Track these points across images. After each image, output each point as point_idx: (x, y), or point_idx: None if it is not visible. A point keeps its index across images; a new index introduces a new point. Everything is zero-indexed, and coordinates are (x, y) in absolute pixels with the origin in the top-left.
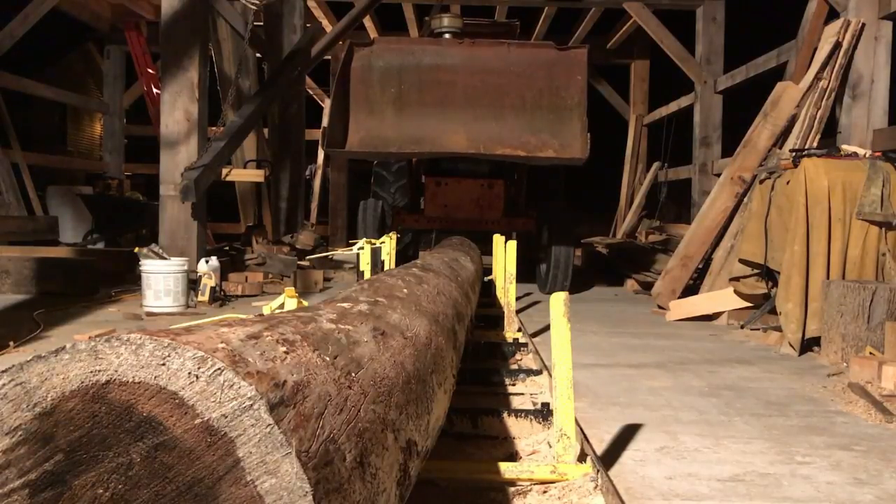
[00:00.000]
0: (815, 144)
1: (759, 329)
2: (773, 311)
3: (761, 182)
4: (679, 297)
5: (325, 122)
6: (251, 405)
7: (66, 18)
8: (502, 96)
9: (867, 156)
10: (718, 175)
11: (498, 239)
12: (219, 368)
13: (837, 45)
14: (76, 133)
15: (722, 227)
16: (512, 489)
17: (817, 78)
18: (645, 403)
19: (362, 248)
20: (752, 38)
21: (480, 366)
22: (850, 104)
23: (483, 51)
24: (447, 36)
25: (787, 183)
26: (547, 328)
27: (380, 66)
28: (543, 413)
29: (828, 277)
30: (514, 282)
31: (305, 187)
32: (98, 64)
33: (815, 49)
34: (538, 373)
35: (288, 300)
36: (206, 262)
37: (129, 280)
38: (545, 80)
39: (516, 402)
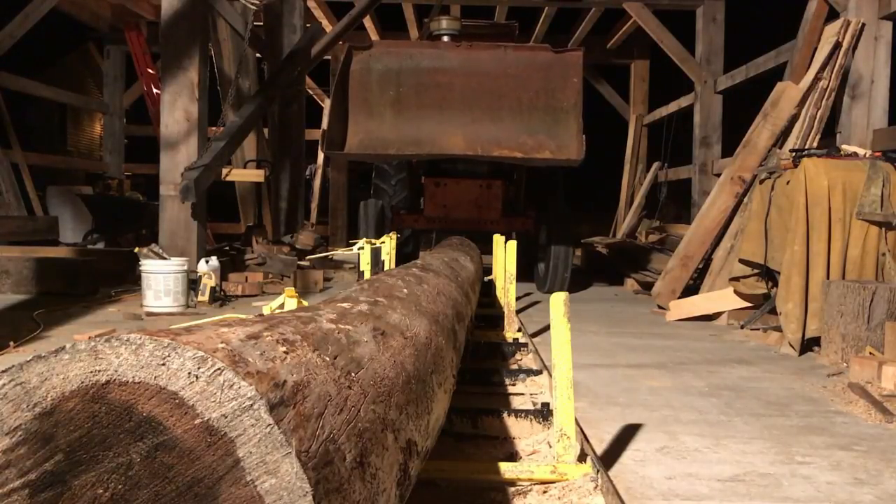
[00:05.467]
0: (815, 144)
1: (759, 329)
2: (773, 311)
3: (761, 182)
4: (679, 297)
5: (324, 123)
6: (251, 405)
7: (66, 18)
8: (499, 98)
9: (867, 156)
10: (718, 175)
11: (498, 239)
12: (219, 368)
13: (837, 45)
14: (76, 133)
15: (722, 227)
16: (512, 489)
17: (817, 78)
18: (645, 403)
19: (362, 248)
20: (752, 38)
21: (480, 366)
22: (850, 104)
23: (480, 53)
24: (446, 38)
25: (787, 183)
26: (547, 328)
27: (378, 69)
28: (543, 413)
29: (828, 277)
30: (514, 282)
31: (305, 187)
32: (98, 64)
33: (815, 49)
34: (538, 373)
35: (288, 300)
36: (206, 262)
37: (129, 280)
38: (541, 82)
39: (516, 402)
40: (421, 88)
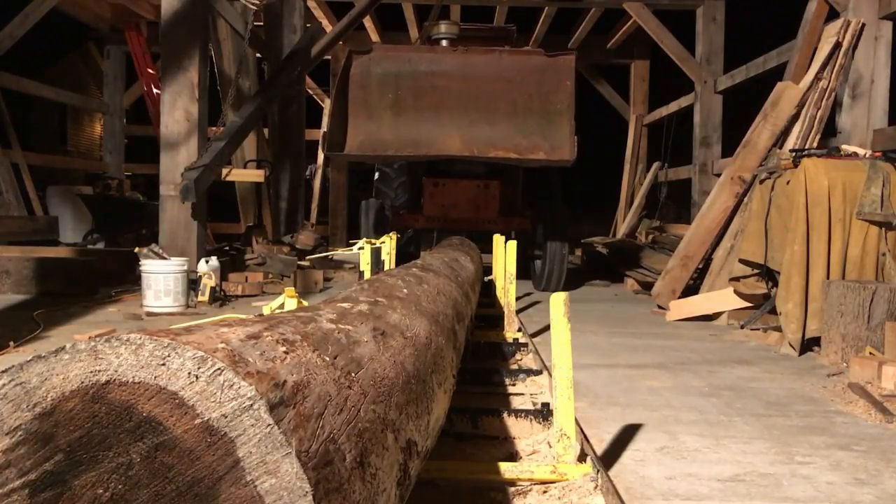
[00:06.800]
0: (815, 144)
1: (759, 329)
2: (773, 311)
3: (761, 182)
4: (679, 297)
5: (325, 124)
6: (251, 405)
7: (66, 18)
8: (495, 101)
9: (867, 156)
10: (718, 175)
11: (498, 239)
12: (219, 368)
13: (837, 45)
14: (76, 133)
15: (722, 227)
16: (512, 489)
17: (817, 78)
18: (645, 403)
19: (362, 248)
20: (752, 38)
21: (480, 366)
22: (850, 104)
23: (476, 58)
24: (444, 42)
25: (787, 183)
26: (547, 328)
27: (378, 73)
28: (543, 413)
29: (828, 277)
30: (514, 282)
31: (305, 187)
32: (98, 64)
33: (815, 49)
34: (538, 373)
35: (288, 300)
36: (206, 262)
37: (129, 280)
38: (535, 85)
39: (516, 402)
40: (419, 91)
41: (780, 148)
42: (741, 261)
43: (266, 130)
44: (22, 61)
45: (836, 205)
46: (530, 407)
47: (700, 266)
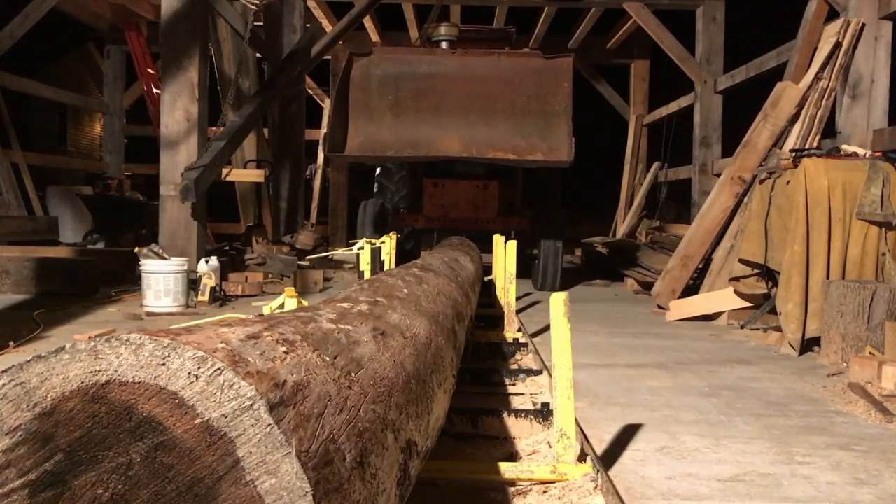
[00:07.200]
0: (815, 144)
1: (759, 329)
2: (773, 311)
3: (761, 182)
4: (679, 297)
5: (325, 124)
6: (251, 405)
7: (66, 18)
8: (493, 103)
9: (867, 156)
10: (718, 175)
11: (498, 239)
12: (219, 368)
13: (837, 45)
14: (76, 133)
15: (722, 227)
16: (512, 489)
17: (817, 78)
18: (645, 403)
19: (362, 248)
20: (752, 38)
21: (480, 366)
22: (850, 104)
23: (475, 60)
24: (443, 44)
25: (787, 183)
26: (547, 328)
27: (378, 75)
28: (543, 413)
29: (828, 277)
30: (514, 282)
31: (305, 187)
32: (98, 64)
33: (815, 49)
34: (538, 373)
35: (288, 300)
36: (206, 262)
37: (129, 280)
38: (533, 86)
39: (516, 402)
40: (419, 93)
41: (780, 148)
42: (741, 261)
43: (266, 130)
44: (22, 61)
45: (836, 205)
46: (530, 407)
47: (700, 266)
